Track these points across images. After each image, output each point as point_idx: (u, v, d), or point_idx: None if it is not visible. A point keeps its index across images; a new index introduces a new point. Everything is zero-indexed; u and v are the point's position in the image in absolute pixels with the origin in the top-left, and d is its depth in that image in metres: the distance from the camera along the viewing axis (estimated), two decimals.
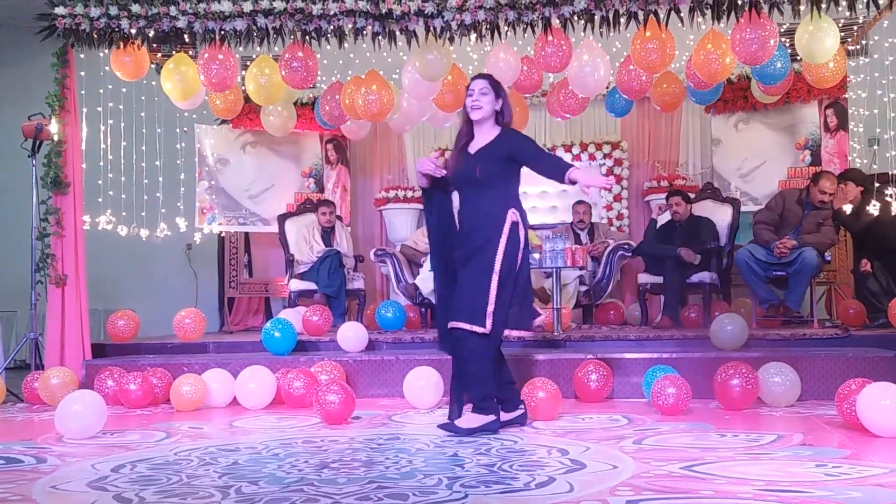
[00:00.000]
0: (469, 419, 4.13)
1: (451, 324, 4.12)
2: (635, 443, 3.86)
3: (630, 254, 7.99)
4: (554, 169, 4.13)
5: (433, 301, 7.63)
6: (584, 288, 7.91)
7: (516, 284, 4.14)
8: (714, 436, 4.00)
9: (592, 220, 8.52)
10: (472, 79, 4.35)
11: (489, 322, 4.05)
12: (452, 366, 4.33)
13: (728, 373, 4.82)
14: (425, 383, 5.19)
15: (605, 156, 9.18)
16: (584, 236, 8.31)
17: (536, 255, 6.44)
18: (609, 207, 9.15)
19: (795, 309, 6.78)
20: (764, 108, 8.41)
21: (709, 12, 5.78)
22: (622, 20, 5.92)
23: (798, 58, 6.66)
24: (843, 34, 6.44)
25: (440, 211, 4.35)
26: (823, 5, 5.71)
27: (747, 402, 4.80)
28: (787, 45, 6.80)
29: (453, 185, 4.31)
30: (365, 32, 6.15)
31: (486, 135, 4.28)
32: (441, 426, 4.18)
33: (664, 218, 7.91)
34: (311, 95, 8.64)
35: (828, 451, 3.58)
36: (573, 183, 4.02)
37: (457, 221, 4.33)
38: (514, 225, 4.14)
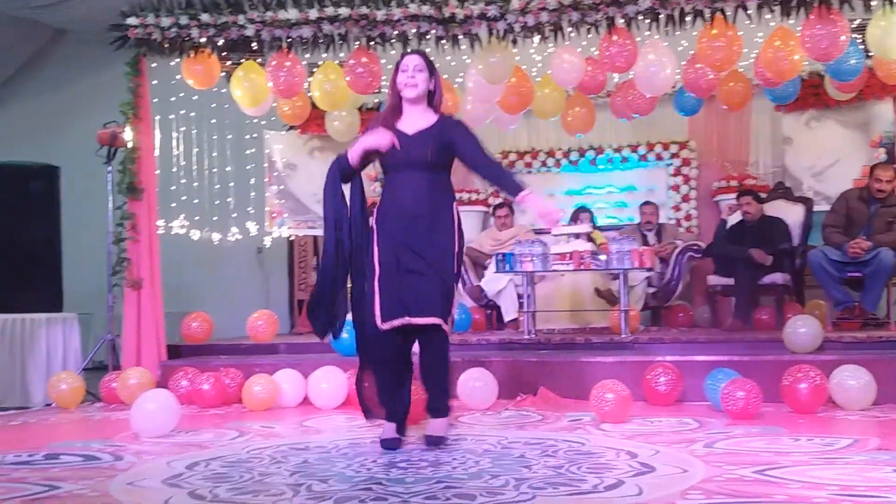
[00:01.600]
0: (444, 425, 4.00)
1: (420, 319, 3.79)
2: (706, 446, 3.81)
3: (699, 255, 7.88)
4: (503, 178, 3.98)
5: (498, 302, 7.70)
6: (652, 290, 7.82)
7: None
8: (787, 440, 3.93)
9: (660, 221, 8.42)
10: (404, 55, 4.04)
11: (451, 321, 3.97)
12: (381, 363, 3.96)
13: (796, 376, 4.74)
14: (482, 383, 5.19)
15: (673, 156, 9.08)
16: (651, 237, 8.23)
17: (603, 257, 6.39)
18: (677, 208, 9.04)
19: (871, 311, 6.60)
20: (837, 106, 8.22)
21: (777, 8, 5.68)
22: (688, 18, 5.86)
23: (871, 54, 6.50)
24: None
25: (362, 193, 4.03)
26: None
27: (816, 406, 4.71)
28: (860, 41, 6.65)
29: (384, 167, 3.98)
30: (428, 36, 6.19)
31: (421, 116, 3.97)
32: (431, 440, 3.89)
33: (734, 218, 7.78)
34: (376, 100, 8.72)
35: None
36: (521, 204, 3.92)
37: (383, 205, 3.96)
38: (459, 219, 3.99)
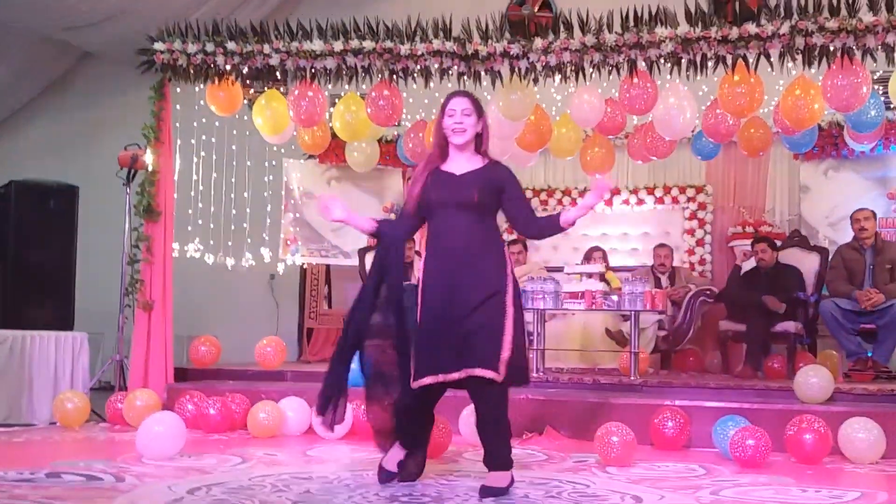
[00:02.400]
0: (500, 477, 3.67)
1: (455, 375, 3.61)
2: (712, 493, 3.77)
3: (712, 300, 7.84)
4: (545, 230, 3.91)
5: None
6: (663, 333, 7.78)
7: (522, 332, 3.76)
8: (794, 490, 3.88)
9: (674, 264, 8.39)
10: (451, 96, 3.82)
11: (503, 368, 3.60)
12: (414, 409, 3.79)
13: (800, 426, 4.70)
14: None
15: (689, 199, 9.06)
16: (664, 280, 8.19)
17: (615, 297, 6.38)
18: (691, 252, 9.01)
19: (884, 363, 6.54)
20: (855, 156, 8.21)
21: (799, 57, 5.70)
22: (710, 64, 5.88)
23: (892, 106, 6.50)
24: None
25: (396, 243, 3.93)
26: None
27: (820, 457, 4.67)
28: (881, 92, 6.65)
29: (430, 209, 3.78)
30: (451, 72, 6.24)
31: (468, 160, 3.81)
32: (484, 491, 3.60)
33: (749, 264, 7.74)
34: (396, 133, 8.77)
35: None
36: (572, 224, 3.77)
37: (428, 251, 3.81)
38: (512, 269, 3.80)
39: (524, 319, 3.82)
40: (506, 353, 3.60)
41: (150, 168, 6.53)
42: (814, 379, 5.53)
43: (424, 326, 3.71)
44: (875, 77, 6.07)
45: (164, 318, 6.52)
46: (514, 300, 3.71)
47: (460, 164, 3.81)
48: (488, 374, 3.57)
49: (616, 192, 9.11)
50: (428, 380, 3.64)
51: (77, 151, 9.90)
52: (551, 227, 3.86)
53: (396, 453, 3.87)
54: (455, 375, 3.62)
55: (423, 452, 3.94)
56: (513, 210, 3.82)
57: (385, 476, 3.81)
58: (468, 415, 5.10)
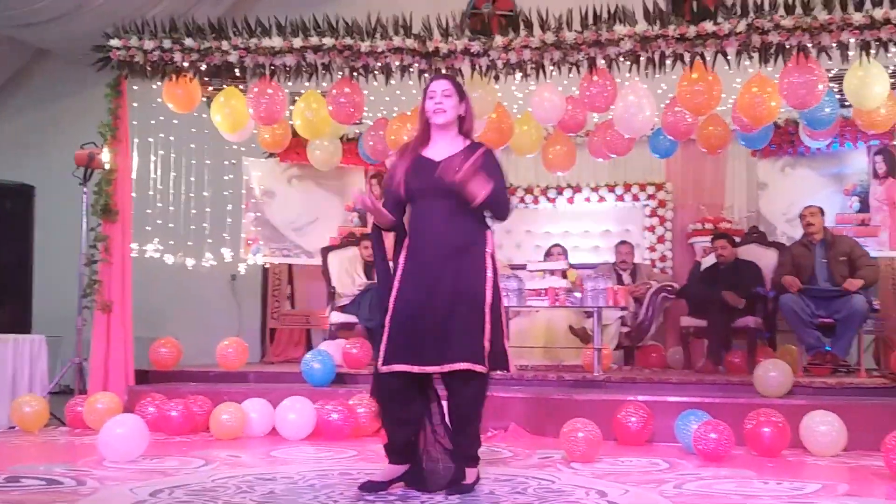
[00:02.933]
0: (471, 473, 3.67)
1: (429, 368, 3.56)
2: (675, 487, 3.80)
3: (673, 296, 7.91)
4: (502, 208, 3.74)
5: None
6: (625, 329, 7.84)
7: (501, 319, 3.69)
8: (757, 483, 3.93)
9: (635, 261, 8.46)
10: (432, 79, 3.83)
11: (486, 360, 3.58)
12: (401, 407, 3.67)
13: (759, 419, 4.77)
14: None
15: (650, 197, 9.14)
16: (626, 277, 8.25)
17: (578, 294, 6.41)
18: (653, 249, 9.09)
19: (843, 357, 6.64)
20: (811, 153, 8.33)
21: (756, 55, 5.77)
22: (668, 62, 5.94)
23: (847, 104, 6.60)
24: (893, 80, 6.39)
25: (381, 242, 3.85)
26: (872, 51, 5.67)
27: (779, 450, 4.73)
28: (836, 90, 6.76)
29: (410, 196, 3.72)
30: (411, 70, 6.23)
31: (450, 143, 3.74)
32: (453, 491, 3.57)
33: (709, 261, 7.83)
34: (357, 131, 8.73)
35: (873, 502, 3.49)
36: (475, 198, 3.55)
37: (409, 238, 3.74)
38: (493, 253, 3.71)
39: (502, 303, 3.72)
40: (487, 344, 3.57)
41: (107, 167, 6.43)
42: (773, 373, 5.62)
43: (400, 316, 3.61)
44: (830, 75, 6.17)
45: (123, 319, 6.43)
46: (494, 288, 3.64)
47: (441, 148, 3.74)
48: (477, 367, 3.53)
49: (577, 189, 9.17)
50: (401, 367, 3.55)
51: (32, 150, 9.72)
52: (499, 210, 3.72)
53: (391, 470, 3.71)
54: (432, 369, 3.56)
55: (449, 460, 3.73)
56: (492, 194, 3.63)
57: (364, 486, 3.62)
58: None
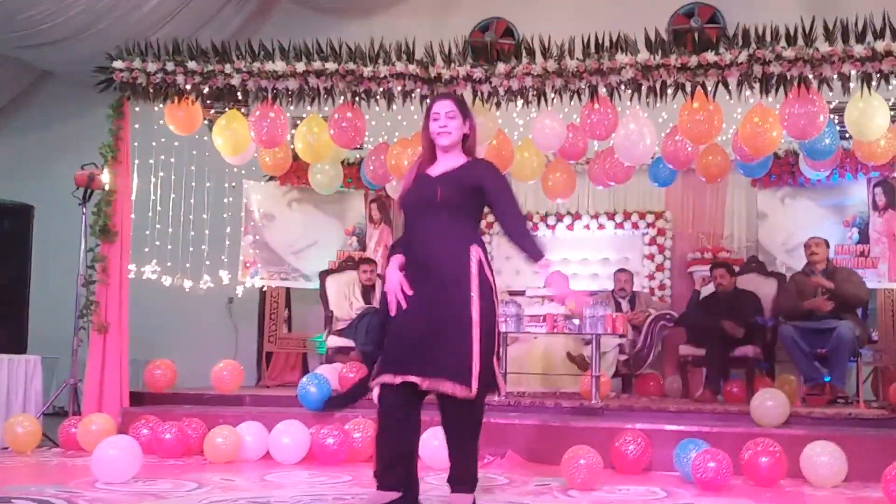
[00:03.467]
0: (462, 500, 3.63)
1: (430, 383, 3.49)
2: None
3: (672, 324, 7.89)
4: (527, 238, 3.64)
5: None
6: (623, 357, 7.80)
7: (493, 338, 3.60)
8: None
9: (634, 289, 8.44)
10: (435, 99, 3.81)
11: (474, 383, 3.47)
12: (394, 427, 3.63)
13: (756, 449, 4.74)
14: (440, 443, 5.09)
15: (649, 225, 9.14)
16: (624, 304, 8.23)
17: (576, 321, 6.39)
18: (651, 277, 9.08)
19: (841, 388, 6.61)
20: (811, 184, 8.35)
21: (757, 86, 5.80)
22: (669, 91, 5.96)
23: (848, 135, 6.62)
24: (894, 112, 6.41)
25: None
26: (874, 83, 5.70)
27: (776, 480, 4.70)
28: (837, 121, 6.78)
29: (405, 212, 3.77)
30: (413, 95, 6.25)
31: (451, 161, 3.73)
32: None
33: (707, 290, 7.82)
34: (358, 155, 8.75)
35: None
36: (535, 261, 3.57)
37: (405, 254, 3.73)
38: (481, 265, 3.59)
39: (496, 323, 3.66)
40: (476, 366, 3.48)
41: (106, 188, 6.43)
42: (770, 402, 5.59)
43: (391, 336, 3.60)
44: (831, 107, 6.19)
45: (119, 340, 6.39)
46: (483, 306, 3.55)
47: (442, 164, 3.73)
48: (458, 390, 3.45)
49: (577, 216, 9.17)
50: (390, 378, 3.51)
51: (33, 171, 9.73)
52: (530, 244, 3.63)
53: (377, 497, 3.61)
54: (415, 379, 3.48)
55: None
56: (496, 201, 3.67)
57: None
58: (429, 437, 5.04)
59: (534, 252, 3.59)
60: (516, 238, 3.66)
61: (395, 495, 3.58)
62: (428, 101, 6.11)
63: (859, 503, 4.26)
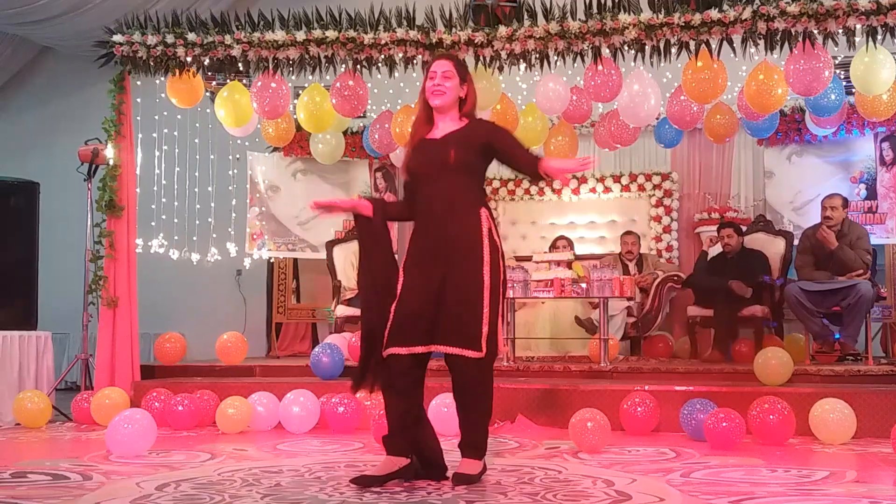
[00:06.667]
0: (473, 464, 3.63)
1: (434, 347, 3.52)
2: (683, 476, 3.78)
3: (680, 285, 7.88)
4: (529, 163, 3.61)
5: None
6: (631, 319, 7.81)
7: (499, 302, 3.59)
8: (764, 471, 3.91)
9: (641, 251, 8.43)
10: (434, 59, 3.76)
11: (484, 345, 3.50)
12: (400, 393, 3.61)
13: (762, 407, 4.75)
14: (450, 411, 5.11)
15: (655, 187, 9.10)
16: (632, 267, 8.23)
17: (584, 285, 6.39)
18: (658, 239, 9.06)
19: (852, 345, 6.61)
20: (818, 141, 8.29)
21: (761, 43, 5.74)
22: (673, 50, 5.90)
23: (853, 90, 6.56)
24: None
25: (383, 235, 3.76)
26: (879, 37, 5.63)
27: (784, 438, 4.72)
28: (843, 77, 6.72)
29: (412, 178, 3.70)
30: (415, 61, 6.21)
31: (450, 123, 3.69)
32: (458, 481, 3.54)
33: (715, 250, 7.79)
34: (362, 124, 8.71)
35: (881, 489, 3.47)
36: (547, 175, 3.55)
37: (408, 216, 3.73)
38: (490, 229, 3.60)
39: (504, 287, 3.66)
40: (485, 328, 3.49)
41: (111, 163, 6.43)
42: (773, 361, 5.59)
43: (402, 301, 3.57)
44: (836, 62, 6.12)
45: (129, 314, 6.42)
46: (492, 269, 3.56)
47: (443, 127, 3.70)
48: (468, 353, 3.47)
49: (583, 180, 9.13)
50: (398, 349, 3.51)
51: (37, 147, 9.74)
52: (529, 163, 3.62)
53: (388, 463, 3.62)
54: (419, 349, 3.50)
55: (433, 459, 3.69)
56: (505, 152, 3.66)
57: (358, 480, 3.55)
58: (437, 405, 5.07)
59: (531, 163, 3.57)
60: (525, 167, 3.63)
61: (404, 461, 3.61)
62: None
63: (868, 459, 4.27)
